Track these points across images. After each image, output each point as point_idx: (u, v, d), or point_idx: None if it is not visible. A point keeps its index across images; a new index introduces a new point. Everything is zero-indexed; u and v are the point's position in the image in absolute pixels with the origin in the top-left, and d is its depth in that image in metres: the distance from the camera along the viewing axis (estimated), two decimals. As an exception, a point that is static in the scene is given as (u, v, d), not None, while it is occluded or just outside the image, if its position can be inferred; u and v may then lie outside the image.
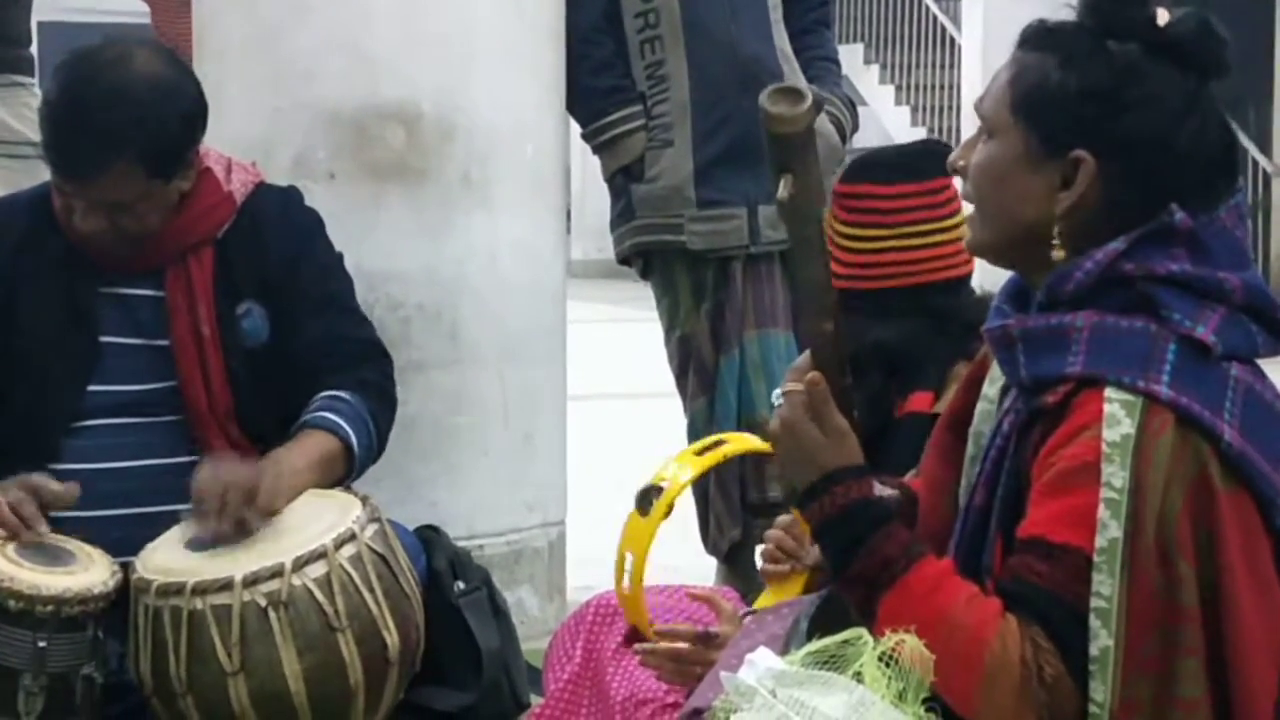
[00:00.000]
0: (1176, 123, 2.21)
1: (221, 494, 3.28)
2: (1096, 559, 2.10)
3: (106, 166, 3.42)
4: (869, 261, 3.04)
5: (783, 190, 2.31)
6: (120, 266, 3.57)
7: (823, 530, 2.29)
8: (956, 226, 3.06)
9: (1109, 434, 2.12)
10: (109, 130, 3.41)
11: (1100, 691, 2.10)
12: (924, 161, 3.10)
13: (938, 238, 3.05)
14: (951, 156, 2.38)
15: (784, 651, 2.30)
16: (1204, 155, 2.23)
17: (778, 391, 2.38)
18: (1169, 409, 2.12)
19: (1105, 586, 2.10)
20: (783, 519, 3.10)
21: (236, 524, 3.29)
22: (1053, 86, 2.24)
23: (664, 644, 2.96)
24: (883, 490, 2.37)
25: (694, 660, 2.92)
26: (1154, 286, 2.18)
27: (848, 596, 2.27)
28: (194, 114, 3.53)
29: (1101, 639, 2.10)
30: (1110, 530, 2.10)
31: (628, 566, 3.01)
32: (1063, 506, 2.13)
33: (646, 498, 2.98)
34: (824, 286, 2.38)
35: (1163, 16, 2.23)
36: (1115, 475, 2.11)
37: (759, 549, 3.21)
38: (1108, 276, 2.19)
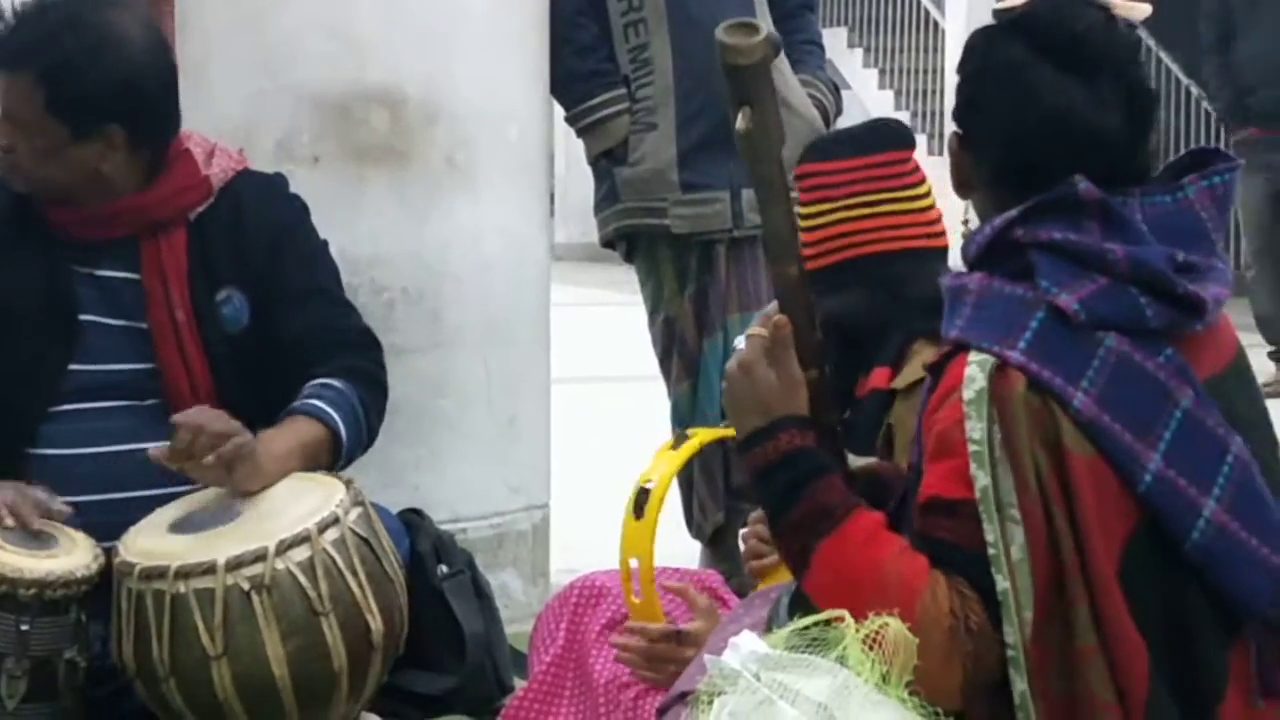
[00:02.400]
0: (1013, 94, 2.30)
1: (194, 431, 3.28)
2: (980, 509, 2.17)
3: (11, 67, 3.47)
4: (820, 238, 3.07)
5: (741, 122, 2.34)
6: (88, 234, 3.56)
7: (763, 475, 2.34)
8: (912, 199, 3.09)
9: (966, 393, 2.19)
10: (29, 39, 3.46)
11: (1010, 634, 2.17)
12: (871, 137, 3.14)
13: (886, 208, 3.07)
14: None
15: (766, 631, 2.32)
16: (1070, 127, 2.28)
17: (740, 337, 2.40)
18: (1020, 372, 2.19)
19: (990, 533, 2.17)
20: (756, 514, 3.12)
21: (200, 466, 3.29)
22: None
23: (636, 640, 2.97)
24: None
25: (666, 657, 2.93)
26: (1036, 253, 2.24)
27: (782, 545, 2.30)
28: (123, 85, 3.49)
29: (999, 583, 2.17)
30: (980, 479, 2.18)
31: (634, 573, 2.99)
32: (948, 466, 2.20)
33: (639, 501, 2.98)
34: (787, 229, 2.41)
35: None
36: (975, 429, 2.18)
37: (742, 532, 3.21)
38: (1001, 241, 2.27)
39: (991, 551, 2.16)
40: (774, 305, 2.42)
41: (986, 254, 2.28)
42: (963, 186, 2.38)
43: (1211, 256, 2.29)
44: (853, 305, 3.01)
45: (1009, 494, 2.16)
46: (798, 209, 3.11)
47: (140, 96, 3.52)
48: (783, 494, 2.30)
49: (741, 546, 3.18)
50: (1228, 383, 2.29)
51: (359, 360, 3.61)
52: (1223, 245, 2.34)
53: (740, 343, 2.40)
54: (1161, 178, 2.34)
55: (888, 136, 3.13)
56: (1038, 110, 2.28)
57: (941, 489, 2.20)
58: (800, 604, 2.38)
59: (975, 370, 2.19)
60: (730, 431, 3.34)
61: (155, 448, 3.32)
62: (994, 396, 2.17)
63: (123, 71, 3.49)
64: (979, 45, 2.35)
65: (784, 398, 2.35)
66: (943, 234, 3.11)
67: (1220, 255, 2.31)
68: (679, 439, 3.14)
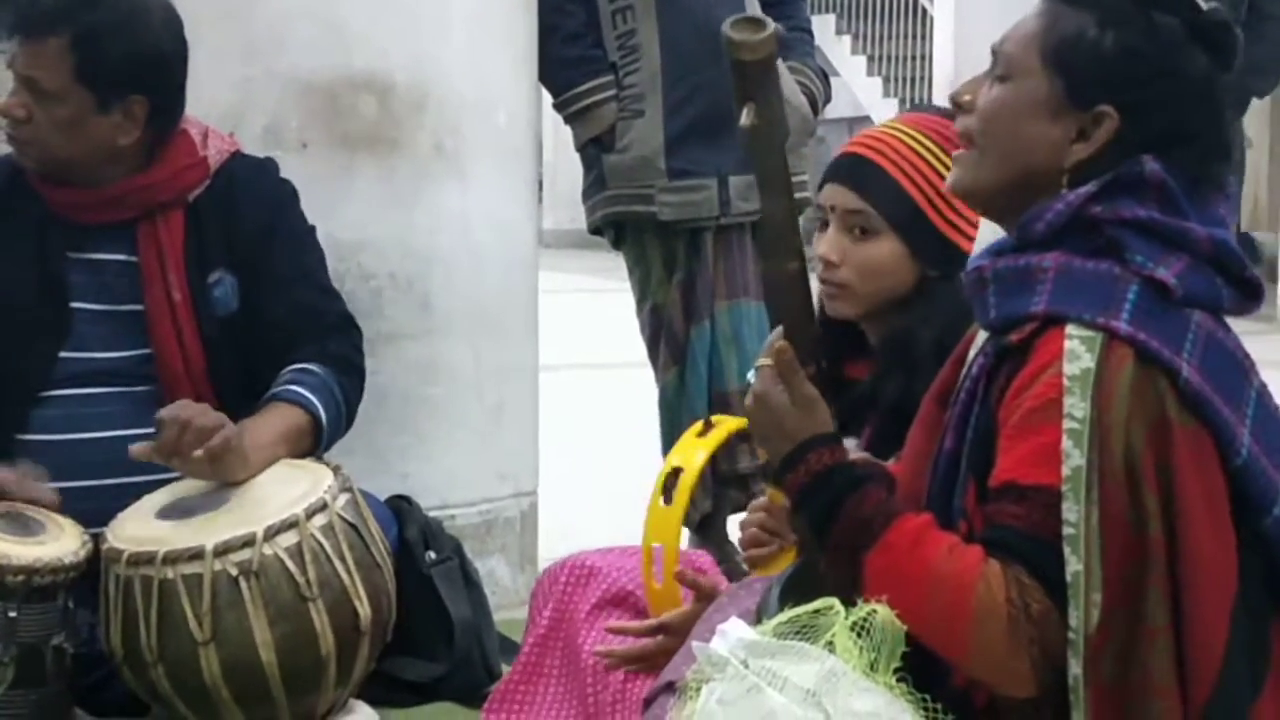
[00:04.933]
0: (1194, 102, 2.27)
1: (181, 427, 3.28)
2: (1064, 487, 2.14)
3: (40, 33, 3.45)
4: None
5: (746, 118, 2.33)
6: (88, 218, 3.57)
7: (800, 499, 2.32)
8: None
9: (1069, 368, 2.16)
10: (60, 5, 3.46)
11: (1075, 617, 2.14)
12: None
13: None
14: (956, 90, 2.41)
15: (756, 622, 2.31)
16: (1208, 140, 2.28)
17: (751, 372, 2.40)
18: (1127, 344, 2.16)
19: (1072, 513, 2.14)
20: (759, 500, 3.11)
21: (187, 461, 3.30)
22: (1089, 41, 2.28)
23: (620, 649, 2.95)
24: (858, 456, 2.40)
25: (654, 652, 2.92)
26: (1120, 230, 2.22)
27: (834, 565, 2.29)
28: (150, 55, 3.52)
29: (1072, 564, 2.14)
30: (1074, 459, 2.14)
31: (656, 558, 2.98)
32: (1030, 448, 2.17)
33: (668, 485, 2.97)
34: (789, 223, 2.39)
35: (1203, 2, 2.30)
36: (1076, 406, 2.15)
37: (731, 519, 3.21)
38: (1077, 219, 2.24)
39: (1071, 532, 2.13)
40: (777, 333, 2.40)
41: (1060, 231, 2.25)
42: (1081, 165, 2.29)
43: None
44: None
45: (1093, 473, 2.13)
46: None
47: (165, 68, 3.55)
48: (821, 514, 2.28)
49: (733, 535, 3.17)
50: None
51: (338, 345, 3.62)
52: None
53: (751, 377, 2.39)
54: None
55: None
56: (1214, 121, 2.29)
57: (1019, 474, 2.17)
58: (791, 593, 2.38)
59: (1078, 346, 2.16)
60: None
61: (139, 446, 3.33)
62: (1100, 373, 2.14)
63: (151, 42, 3.52)
64: (1172, 46, 2.28)
65: (803, 419, 2.33)
66: None
67: None
68: (707, 425, 3.12)
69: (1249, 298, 2.29)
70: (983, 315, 2.31)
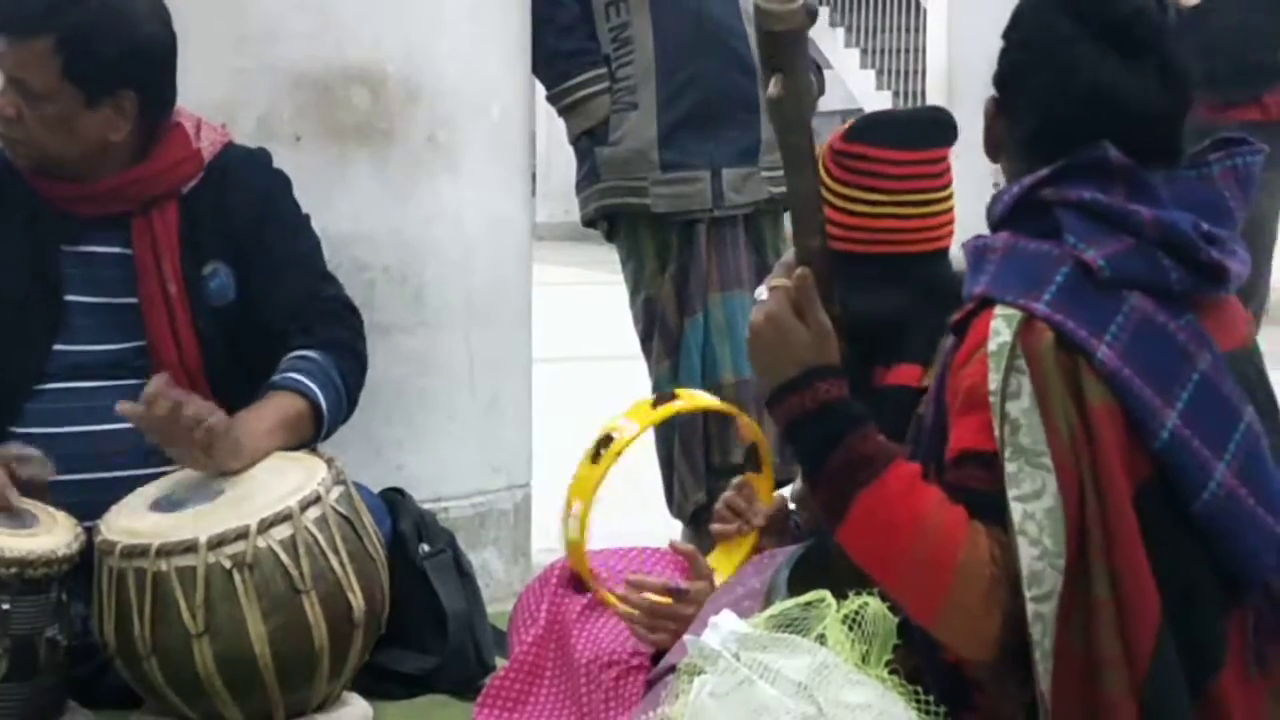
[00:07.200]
0: (1056, 67, 2.31)
1: (174, 405, 3.27)
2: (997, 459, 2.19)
3: (26, 33, 3.43)
4: (861, 225, 3.01)
5: (773, 89, 2.33)
6: (82, 211, 3.57)
7: (798, 425, 2.32)
8: (948, 198, 3.05)
9: (991, 345, 2.21)
10: (45, 4, 3.45)
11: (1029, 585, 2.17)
12: (930, 130, 3.07)
13: (932, 208, 3.02)
14: None
15: (765, 604, 2.32)
16: (1108, 104, 2.29)
17: (761, 288, 2.39)
18: (1046, 324, 2.20)
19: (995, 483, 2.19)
20: (735, 480, 3.12)
21: (178, 444, 3.29)
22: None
23: (637, 595, 2.98)
24: None
25: (666, 614, 2.94)
26: (1063, 211, 2.26)
27: (817, 496, 2.29)
28: (139, 49, 3.52)
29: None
30: (995, 429, 2.18)
31: (575, 512, 3.01)
32: (979, 420, 2.21)
33: (599, 448, 2.99)
34: (812, 199, 2.39)
35: None
36: (993, 380, 2.19)
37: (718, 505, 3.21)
38: (1029, 200, 2.28)
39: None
40: (791, 254, 2.40)
41: (1012, 213, 2.29)
42: (994, 149, 2.41)
43: (1232, 233, 2.31)
44: (885, 302, 2.96)
45: (1040, 444, 2.16)
46: (832, 184, 3.06)
47: (153, 61, 3.55)
48: (820, 444, 2.29)
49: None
50: (1239, 361, 2.31)
51: (337, 331, 3.62)
52: (1242, 229, 2.34)
53: (762, 293, 2.38)
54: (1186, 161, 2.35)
55: (945, 131, 3.07)
56: (1076, 85, 2.29)
57: (974, 441, 2.21)
58: (800, 574, 2.39)
59: (1000, 324, 2.20)
60: (713, 403, 3.34)
61: (126, 404, 3.31)
62: (1023, 350, 2.18)
63: (138, 35, 3.52)
64: (1026, 14, 2.36)
65: (816, 348, 2.34)
66: (952, 232, 3.08)
67: (1238, 239, 2.32)
68: (661, 398, 3.13)
69: (1208, 280, 2.28)
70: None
